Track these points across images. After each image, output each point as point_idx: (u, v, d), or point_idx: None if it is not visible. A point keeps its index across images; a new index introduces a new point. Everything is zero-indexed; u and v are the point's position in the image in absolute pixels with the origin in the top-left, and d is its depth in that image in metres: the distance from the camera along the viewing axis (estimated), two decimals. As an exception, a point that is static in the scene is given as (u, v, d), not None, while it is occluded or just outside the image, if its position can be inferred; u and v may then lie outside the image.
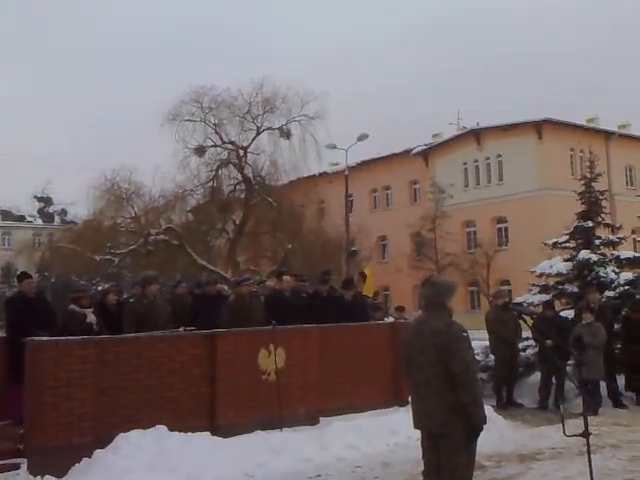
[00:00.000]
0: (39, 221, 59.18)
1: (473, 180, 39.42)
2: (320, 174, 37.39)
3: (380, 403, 9.60)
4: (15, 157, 69.75)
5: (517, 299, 13.92)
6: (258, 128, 30.74)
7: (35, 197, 60.78)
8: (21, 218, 59.64)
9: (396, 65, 67.95)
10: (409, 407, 9.08)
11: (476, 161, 39.24)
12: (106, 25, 71.37)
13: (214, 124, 30.60)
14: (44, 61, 69.05)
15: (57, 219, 58.72)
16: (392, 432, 8.36)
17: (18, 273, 9.21)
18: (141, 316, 8.53)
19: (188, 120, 30.31)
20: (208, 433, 7.64)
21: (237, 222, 30.90)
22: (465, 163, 39.60)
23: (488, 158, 38.59)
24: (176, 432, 7.39)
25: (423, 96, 65.03)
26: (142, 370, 7.76)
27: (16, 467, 7.30)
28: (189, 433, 7.43)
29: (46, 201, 61.68)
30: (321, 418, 8.90)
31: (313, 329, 9.36)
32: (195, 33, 70.69)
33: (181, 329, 8.57)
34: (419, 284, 4.84)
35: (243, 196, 31.10)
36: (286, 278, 10.58)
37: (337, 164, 40.14)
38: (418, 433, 5.00)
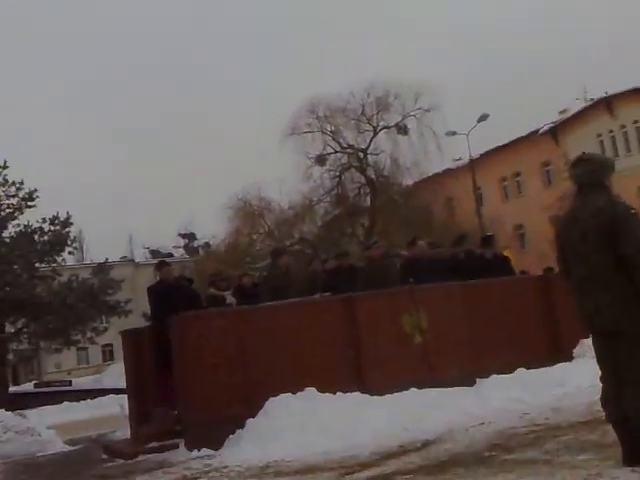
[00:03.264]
0: (186, 257, 62.10)
1: (610, 152, 36.69)
2: (444, 171, 36.48)
3: (539, 360, 8.80)
4: (159, 196, 73.72)
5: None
6: (375, 128, 30.62)
7: (180, 234, 63.94)
8: (169, 255, 62.91)
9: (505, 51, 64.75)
10: (575, 361, 8.34)
11: (611, 131, 36.61)
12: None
13: (331, 131, 30.86)
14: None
15: (202, 252, 61.42)
16: (558, 384, 7.60)
17: (156, 262, 9.39)
18: (276, 287, 8.41)
19: (306, 132, 30.73)
20: (358, 393, 7.29)
21: (365, 225, 30.72)
22: (599, 135, 37.03)
23: (624, 126, 35.92)
24: (326, 394, 7.12)
25: (540, 76, 61.64)
26: (283, 338, 7.58)
27: (175, 447, 7.37)
28: (339, 393, 7.12)
29: (190, 237, 64.70)
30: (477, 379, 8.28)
31: (455, 286, 8.82)
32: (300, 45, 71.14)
33: (317, 295, 8.36)
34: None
35: (368, 198, 30.93)
36: (420, 243, 10.07)
37: (460, 159, 38.99)
38: (589, 382, 4.31)
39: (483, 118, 27.42)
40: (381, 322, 8.14)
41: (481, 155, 37.33)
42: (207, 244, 60.01)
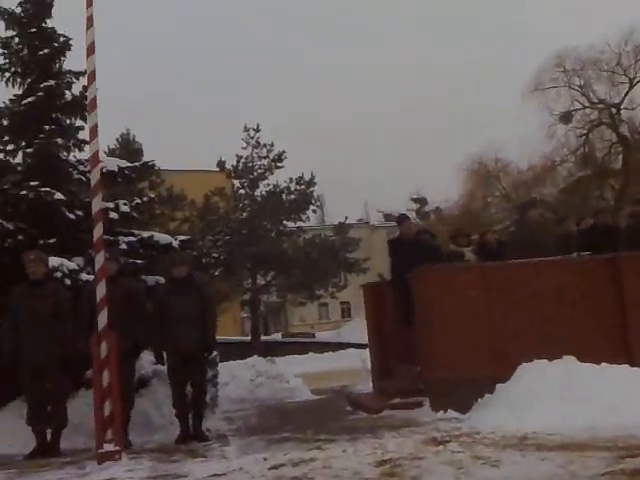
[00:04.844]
0: (418, 220, 62.13)
1: None
2: None
3: None
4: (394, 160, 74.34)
5: None
6: (631, 80, 27.46)
7: (412, 199, 64.10)
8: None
9: None
10: None
11: None
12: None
13: (579, 86, 28.30)
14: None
15: (432, 217, 61.04)
16: None
17: (398, 215, 9.18)
18: (523, 245, 7.70)
19: (551, 87, 28.50)
20: (626, 366, 6.39)
21: (616, 187, 27.86)
22: None
23: None
24: (587, 364, 6.34)
25: None
26: (533, 298, 6.93)
27: (419, 405, 7.15)
28: (603, 364, 6.29)
29: (422, 201, 64.61)
30: None
31: None
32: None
33: (574, 254, 7.50)
34: None
35: (620, 158, 27.98)
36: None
37: None
38: None
39: None
40: (654, 288, 7.06)
41: None
42: (438, 208, 59.62)
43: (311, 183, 24.60)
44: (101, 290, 5.67)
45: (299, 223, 25.22)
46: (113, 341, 5.50)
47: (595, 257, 7.36)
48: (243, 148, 24.57)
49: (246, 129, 24.48)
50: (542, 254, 7.66)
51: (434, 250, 8.60)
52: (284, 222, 24.68)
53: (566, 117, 28.79)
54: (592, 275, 7.18)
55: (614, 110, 28.02)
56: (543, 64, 28.25)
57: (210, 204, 23.82)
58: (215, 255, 23.75)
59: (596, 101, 28.43)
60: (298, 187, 24.63)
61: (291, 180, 24.62)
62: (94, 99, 6.25)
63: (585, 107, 28.70)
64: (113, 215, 8.33)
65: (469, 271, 7.08)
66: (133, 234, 8.59)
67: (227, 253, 23.77)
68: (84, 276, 7.36)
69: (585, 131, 28.67)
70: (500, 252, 8.58)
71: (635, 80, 27.65)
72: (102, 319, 5.57)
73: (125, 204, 8.65)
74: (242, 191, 25.28)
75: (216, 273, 23.64)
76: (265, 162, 24.64)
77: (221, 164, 24.73)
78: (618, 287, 7.07)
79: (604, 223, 8.87)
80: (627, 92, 27.83)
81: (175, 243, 8.59)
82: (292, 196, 24.57)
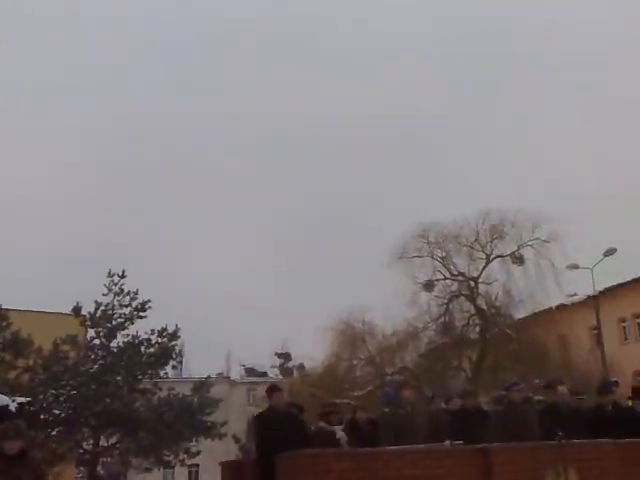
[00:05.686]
0: (280, 377, 61.06)
1: None
2: (557, 306, 34.43)
3: None
4: (255, 313, 74.14)
5: None
6: (488, 256, 29.51)
7: (276, 354, 63.32)
8: (263, 374, 62.20)
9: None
10: None
11: None
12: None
13: (441, 257, 30.04)
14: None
15: (296, 373, 60.27)
16: None
17: (269, 385, 8.65)
18: (397, 428, 7.42)
19: (415, 256, 30.06)
20: None
21: (473, 358, 28.94)
22: None
23: None
24: None
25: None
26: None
27: None
28: None
29: (285, 357, 63.94)
30: None
31: (609, 445, 7.52)
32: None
33: (447, 442, 7.26)
34: None
35: (478, 329, 29.36)
36: (561, 389, 8.85)
37: (574, 294, 36.77)
38: None
39: (610, 252, 25.73)
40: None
41: (599, 292, 35.03)
42: (302, 366, 59.11)
43: (175, 336, 23.17)
44: None
45: (156, 379, 23.26)
46: None
47: (467, 447, 7.16)
48: (104, 294, 22.98)
49: (110, 274, 23.08)
50: (415, 437, 7.43)
51: (302, 427, 8.12)
52: (139, 377, 22.71)
53: (428, 286, 30.16)
54: (464, 466, 6.96)
55: (472, 283, 29.67)
56: (408, 234, 29.91)
57: (58, 353, 21.57)
58: (56, 411, 21.14)
59: (456, 273, 30.05)
60: (160, 340, 23.07)
61: (152, 332, 23.12)
62: None
63: (446, 278, 30.20)
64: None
65: (342, 459, 6.55)
66: (-38, 393, 7.46)
67: (70, 409, 21.27)
68: None
69: (446, 301, 30.00)
70: (372, 432, 8.26)
71: (491, 256, 29.66)
72: None
73: (-43, 355, 7.57)
74: (97, 341, 23.24)
75: (53, 432, 20.98)
76: (127, 311, 23.06)
77: (77, 310, 22.80)
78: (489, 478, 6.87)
79: (472, 407, 8.84)
80: (484, 267, 29.64)
81: (12, 406, 7.50)
82: (152, 349, 22.85)
